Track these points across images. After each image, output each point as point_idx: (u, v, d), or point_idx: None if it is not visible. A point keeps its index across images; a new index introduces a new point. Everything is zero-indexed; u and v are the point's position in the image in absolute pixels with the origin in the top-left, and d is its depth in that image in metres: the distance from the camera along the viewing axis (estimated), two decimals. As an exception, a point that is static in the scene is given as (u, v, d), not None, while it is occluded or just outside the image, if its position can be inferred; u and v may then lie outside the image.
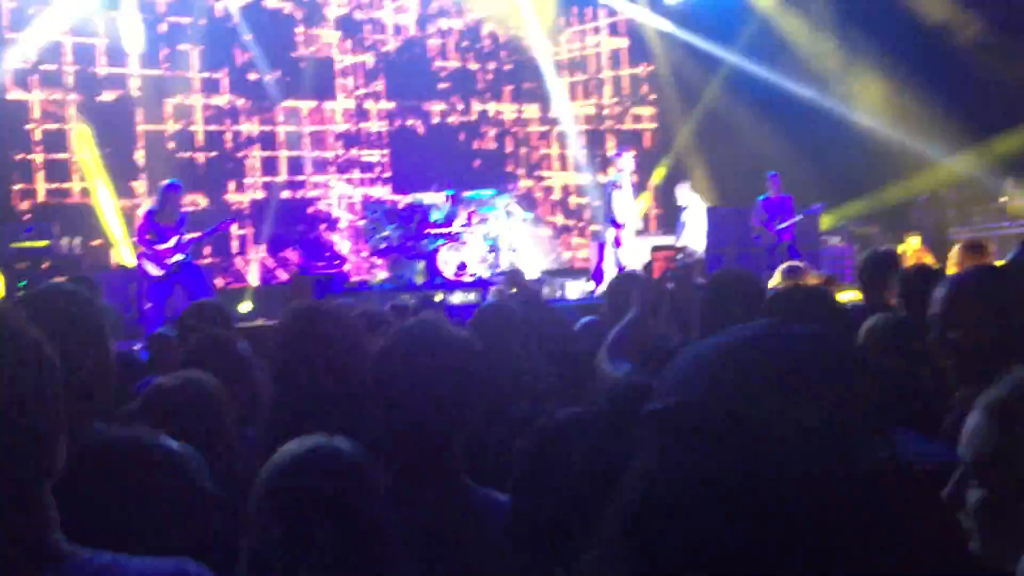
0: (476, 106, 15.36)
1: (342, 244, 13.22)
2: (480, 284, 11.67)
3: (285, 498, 1.62)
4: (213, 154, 13.73)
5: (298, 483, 1.62)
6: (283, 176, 14.19)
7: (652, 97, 15.98)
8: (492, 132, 15.54)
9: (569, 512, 1.58)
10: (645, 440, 0.93)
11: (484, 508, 1.92)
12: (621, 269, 10.23)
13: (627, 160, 11.12)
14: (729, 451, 0.86)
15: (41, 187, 12.52)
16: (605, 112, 16.15)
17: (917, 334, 2.62)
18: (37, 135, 12.52)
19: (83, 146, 12.55)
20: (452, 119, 15.21)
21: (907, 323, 2.89)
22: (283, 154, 14.24)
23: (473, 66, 15.39)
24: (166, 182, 9.52)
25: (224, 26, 13.59)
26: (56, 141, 12.63)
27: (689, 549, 0.85)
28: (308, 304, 2.80)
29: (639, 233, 12.12)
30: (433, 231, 11.91)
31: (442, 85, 15.20)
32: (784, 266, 5.74)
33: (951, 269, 5.00)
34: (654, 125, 16.05)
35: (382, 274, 13.02)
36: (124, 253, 12.15)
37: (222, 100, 13.84)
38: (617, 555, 0.91)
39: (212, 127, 13.78)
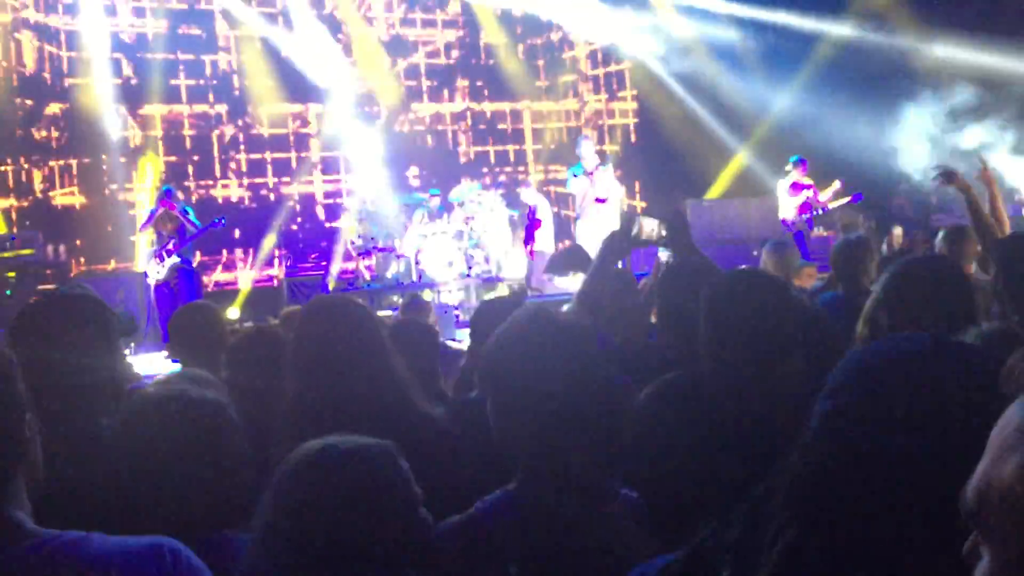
0: (460, 102, 15.41)
1: (331, 246, 13.24)
2: (466, 281, 11.75)
3: (307, 493, 1.60)
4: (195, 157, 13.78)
5: (321, 478, 1.61)
6: (271, 178, 14.22)
7: (633, 92, 16.07)
8: (477, 128, 15.60)
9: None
10: (820, 431, 1.00)
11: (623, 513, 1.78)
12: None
13: (586, 148, 11.17)
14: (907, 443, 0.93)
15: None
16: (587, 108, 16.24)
17: None
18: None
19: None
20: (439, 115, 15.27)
21: None
22: (267, 156, 14.26)
23: (443, 61, 15.43)
24: (162, 188, 9.78)
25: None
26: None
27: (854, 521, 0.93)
28: (327, 298, 2.80)
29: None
30: (418, 229, 11.96)
31: (427, 82, 15.27)
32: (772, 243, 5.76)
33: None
34: (635, 120, 16.13)
35: (367, 274, 13.05)
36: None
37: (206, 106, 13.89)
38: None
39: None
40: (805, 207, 11.09)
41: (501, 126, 15.87)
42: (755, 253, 11.11)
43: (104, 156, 13.16)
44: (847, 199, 11.16)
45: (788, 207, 11.22)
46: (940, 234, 5.20)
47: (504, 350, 1.78)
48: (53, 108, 13.06)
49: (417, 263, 11.83)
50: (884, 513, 0.93)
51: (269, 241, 13.26)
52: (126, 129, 13.39)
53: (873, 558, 0.93)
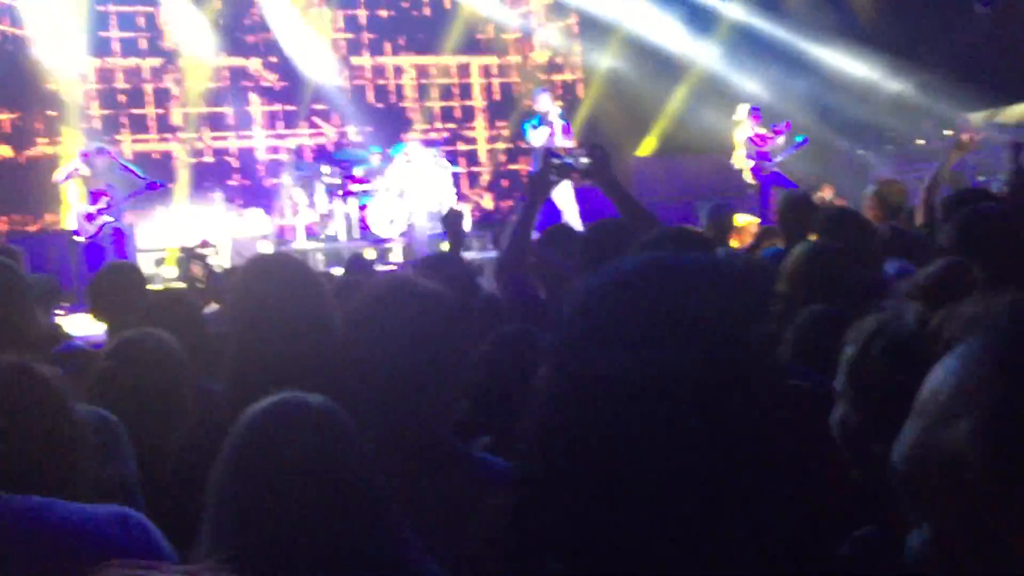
0: (402, 58, 15.14)
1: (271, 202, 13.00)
2: (409, 238, 11.63)
3: (257, 456, 1.51)
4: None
5: (270, 440, 1.51)
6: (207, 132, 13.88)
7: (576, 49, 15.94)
8: (416, 84, 15.35)
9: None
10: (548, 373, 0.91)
11: (485, 475, 1.83)
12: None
13: (544, 101, 11.07)
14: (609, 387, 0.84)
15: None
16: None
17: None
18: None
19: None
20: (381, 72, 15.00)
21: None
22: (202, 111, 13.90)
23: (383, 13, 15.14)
24: (94, 145, 9.56)
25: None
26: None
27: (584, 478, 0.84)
28: (268, 254, 2.81)
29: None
30: (360, 187, 11.78)
31: (369, 36, 14.96)
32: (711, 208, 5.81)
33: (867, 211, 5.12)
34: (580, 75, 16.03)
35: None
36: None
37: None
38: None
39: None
40: (763, 157, 10.87)
41: (444, 80, 15.61)
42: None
43: (36, 111, 12.74)
44: (795, 144, 10.97)
45: (746, 159, 10.98)
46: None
47: (356, 316, 1.93)
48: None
49: (361, 220, 11.68)
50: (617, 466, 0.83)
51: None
52: (54, 82, 12.91)
53: (613, 488, 0.84)
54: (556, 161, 3.26)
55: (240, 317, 2.47)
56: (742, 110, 11.11)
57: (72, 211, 9.42)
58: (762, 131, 10.99)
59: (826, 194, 10.62)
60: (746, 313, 0.89)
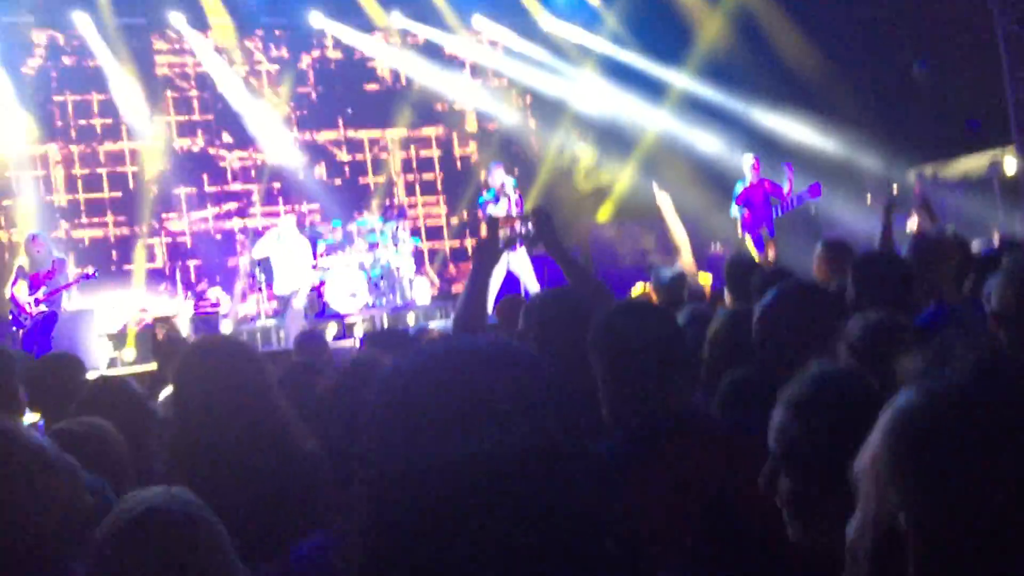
0: (354, 133, 15.26)
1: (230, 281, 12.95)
2: (371, 311, 11.63)
3: (113, 557, 1.58)
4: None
5: (126, 542, 1.59)
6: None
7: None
8: (372, 158, 15.46)
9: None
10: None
11: None
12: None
13: (497, 175, 11.22)
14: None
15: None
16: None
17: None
18: None
19: None
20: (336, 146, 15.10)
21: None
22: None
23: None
24: (29, 234, 9.68)
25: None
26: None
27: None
28: (208, 339, 2.81)
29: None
30: (320, 262, 11.79)
31: (320, 110, 15.10)
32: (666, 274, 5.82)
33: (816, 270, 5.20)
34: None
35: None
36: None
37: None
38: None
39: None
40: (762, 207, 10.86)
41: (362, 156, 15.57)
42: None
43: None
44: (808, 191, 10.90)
45: (736, 208, 11.02)
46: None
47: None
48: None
49: (320, 296, 11.66)
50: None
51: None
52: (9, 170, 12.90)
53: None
54: (500, 229, 3.31)
55: (181, 400, 2.49)
56: (746, 161, 11.15)
57: (9, 299, 9.45)
58: (766, 179, 11.01)
59: (769, 254, 10.79)
60: (540, 396, 0.92)
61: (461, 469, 0.86)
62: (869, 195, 12.61)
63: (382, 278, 11.95)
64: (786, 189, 10.89)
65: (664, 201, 4.86)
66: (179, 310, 11.27)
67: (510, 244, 3.37)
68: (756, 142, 12.75)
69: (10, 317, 9.41)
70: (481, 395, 0.90)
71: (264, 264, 11.58)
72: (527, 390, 0.92)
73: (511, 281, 10.62)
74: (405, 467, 0.87)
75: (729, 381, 2.54)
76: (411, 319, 11.76)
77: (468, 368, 0.92)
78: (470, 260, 15.31)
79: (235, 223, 14.12)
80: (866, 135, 12.87)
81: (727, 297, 4.80)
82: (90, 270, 9.75)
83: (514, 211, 10.87)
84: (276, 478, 2.30)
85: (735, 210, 11.08)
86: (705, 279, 8.33)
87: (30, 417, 3.48)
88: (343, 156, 15.17)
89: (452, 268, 15.26)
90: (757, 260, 7.77)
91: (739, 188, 11.06)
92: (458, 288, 14.23)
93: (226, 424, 2.39)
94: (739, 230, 11.11)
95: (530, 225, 3.28)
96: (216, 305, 12.03)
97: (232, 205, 14.29)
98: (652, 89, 14.49)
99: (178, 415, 2.52)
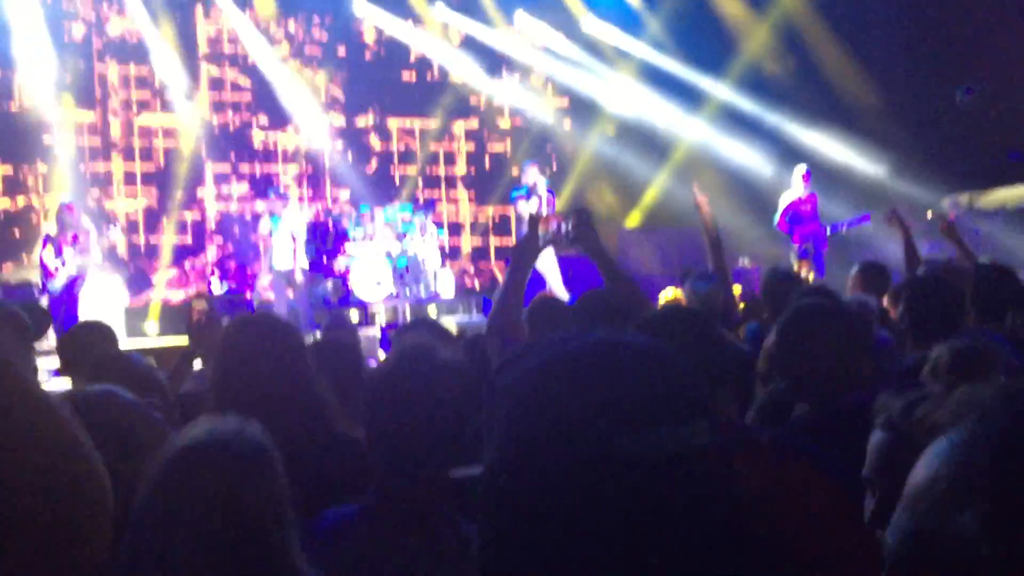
0: (387, 121, 15.28)
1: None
2: (394, 302, 11.63)
3: (168, 490, 1.58)
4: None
5: (180, 476, 1.59)
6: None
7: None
8: (405, 147, 15.48)
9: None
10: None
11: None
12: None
13: (531, 173, 11.18)
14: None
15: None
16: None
17: None
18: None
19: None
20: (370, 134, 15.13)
21: None
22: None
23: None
24: (62, 202, 9.98)
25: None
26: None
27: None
28: (249, 316, 2.84)
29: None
30: (348, 248, 11.81)
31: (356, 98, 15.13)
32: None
33: (850, 291, 5.14)
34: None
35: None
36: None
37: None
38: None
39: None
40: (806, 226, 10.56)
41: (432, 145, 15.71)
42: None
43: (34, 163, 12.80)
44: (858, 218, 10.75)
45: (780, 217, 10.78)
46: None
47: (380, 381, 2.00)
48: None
49: (344, 283, 11.67)
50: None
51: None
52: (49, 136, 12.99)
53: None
54: (543, 227, 3.28)
55: (221, 373, 2.49)
56: (798, 171, 10.89)
57: (38, 264, 9.63)
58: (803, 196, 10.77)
59: (803, 270, 10.66)
60: (695, 393, 0.90)
61: (640, 466, 0.84)
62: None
63: (407, 269, 11.95)
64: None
65: (704, 203, 4.79)
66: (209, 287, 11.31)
67: (551, 242, 3.34)
68: (791, 158, 12.66)
69: (39, 283, 9.52)
70: (667, 390, 0.89)
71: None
72: (694, 387, 0.91)
73: (536, 281, 10.55)
74: (574, 464, 0.86)
75: (767, 393, 2.52)
76: (433, 311, 11.74)
77: (643, 362, 0.91)
78: (488, 258, 15.35)
79: (267, 204, 14.16)
80: (904, 158, 12.75)
81: (763, 310, 4.73)
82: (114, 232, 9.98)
83: (544, 211, 10.83)
84: (311, 456, 2.28)
85: (779, 220, 10.77)
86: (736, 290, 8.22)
87: (61, 383, 3.51)
88: (375, 144, 15.19)
89: (470, 266, 15.24)
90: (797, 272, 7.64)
91: (786, 199, 10.78)
92: (479, 284, 14.24)
93: (265, 400, 2.38)
94: (792, 244, 10.71)
95: (570, 225, 3.25)
96: (247, 283, 12.04)
97: (264, 185, 14.33)
98: (690, 97, 14.43)
99: (217, 387, 2.52)
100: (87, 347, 3.42)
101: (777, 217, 10.86)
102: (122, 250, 12.85)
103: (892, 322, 4.21)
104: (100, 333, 3.65)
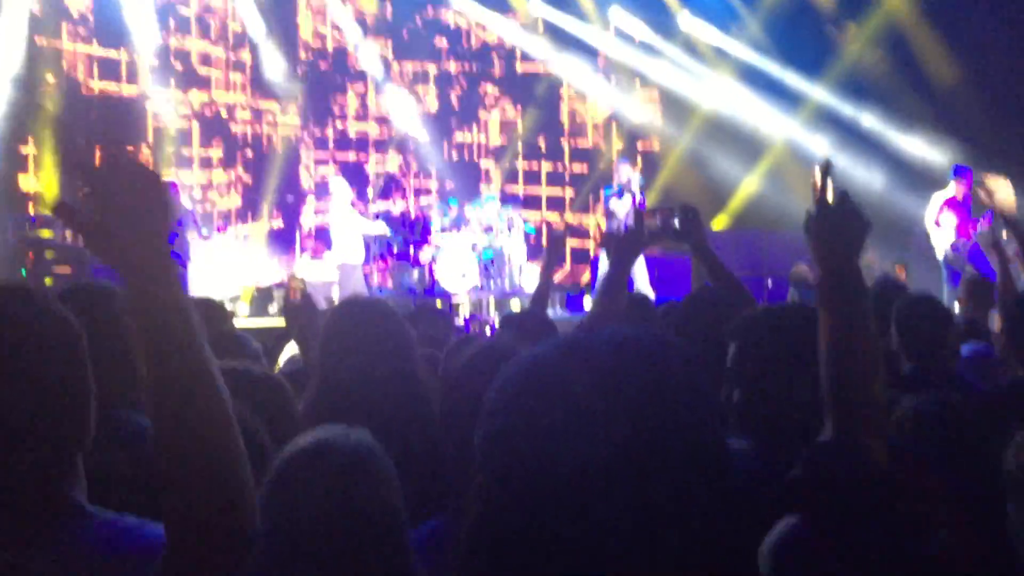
0: (479, 114, 15.38)
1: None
2: (479, 294, 11.72)
3: (287, 490, 1.62)
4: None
5: (299, 476, 1.62)
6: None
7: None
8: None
9: None
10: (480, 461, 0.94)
11: None
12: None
13: (625, 171, 11.13)
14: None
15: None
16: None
17: None
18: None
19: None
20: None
21: None
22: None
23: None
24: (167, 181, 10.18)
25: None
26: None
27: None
28: (356, 298, 2.83)
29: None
30: (434, 239, 11.92)
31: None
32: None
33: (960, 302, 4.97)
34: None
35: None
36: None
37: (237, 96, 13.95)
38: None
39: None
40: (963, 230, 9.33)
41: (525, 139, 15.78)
42: (768, 285, 11.06)
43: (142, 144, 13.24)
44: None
45: (942, 232, 9.55)
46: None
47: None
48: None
49: (431, 273, 11.79)
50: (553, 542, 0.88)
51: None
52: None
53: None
54: (650, 221, 3.21)
55: (324, 359, 2.51)
56: (957, 173, 9.65)
57: None
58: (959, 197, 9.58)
59: (900, 275, 10.35)
60: (699, 388, 0.92)
61: (612, 461, 0.87)
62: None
63: (492, 262, 12.01)
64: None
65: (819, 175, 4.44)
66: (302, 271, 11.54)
67: (657, 238, 3.28)
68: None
69: None
70: (643, 385, 0.90)
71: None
72: (690, 381, 0.92)
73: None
74: (540, 457, 0.87)
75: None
76: (516, 305, 11.78)
77: (625, 358, 0.92)
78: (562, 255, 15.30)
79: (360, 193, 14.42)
80: (1010, 165, 12.27)
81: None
82: (205, 231, 10.30)
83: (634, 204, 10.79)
84: (410, 445, 2.29)
85: (934, 219, 9.59)
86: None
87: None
88: (467, 137, 15.30)
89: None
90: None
91: (939, 199, 9.69)
92: (561, 278, 14.24)
93: (368, 384, 2.41)
94: (940, 244, 9.64)
95: (677, 220, 3.19)
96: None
97: (355, 173, 14.60)
98: (786, 98, 14.15)
99: (321, 369, 2.53)
100: (206, 323, 3.49)
101: (927, 220, 9.74)
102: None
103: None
104: (218, 310, 3.67)
